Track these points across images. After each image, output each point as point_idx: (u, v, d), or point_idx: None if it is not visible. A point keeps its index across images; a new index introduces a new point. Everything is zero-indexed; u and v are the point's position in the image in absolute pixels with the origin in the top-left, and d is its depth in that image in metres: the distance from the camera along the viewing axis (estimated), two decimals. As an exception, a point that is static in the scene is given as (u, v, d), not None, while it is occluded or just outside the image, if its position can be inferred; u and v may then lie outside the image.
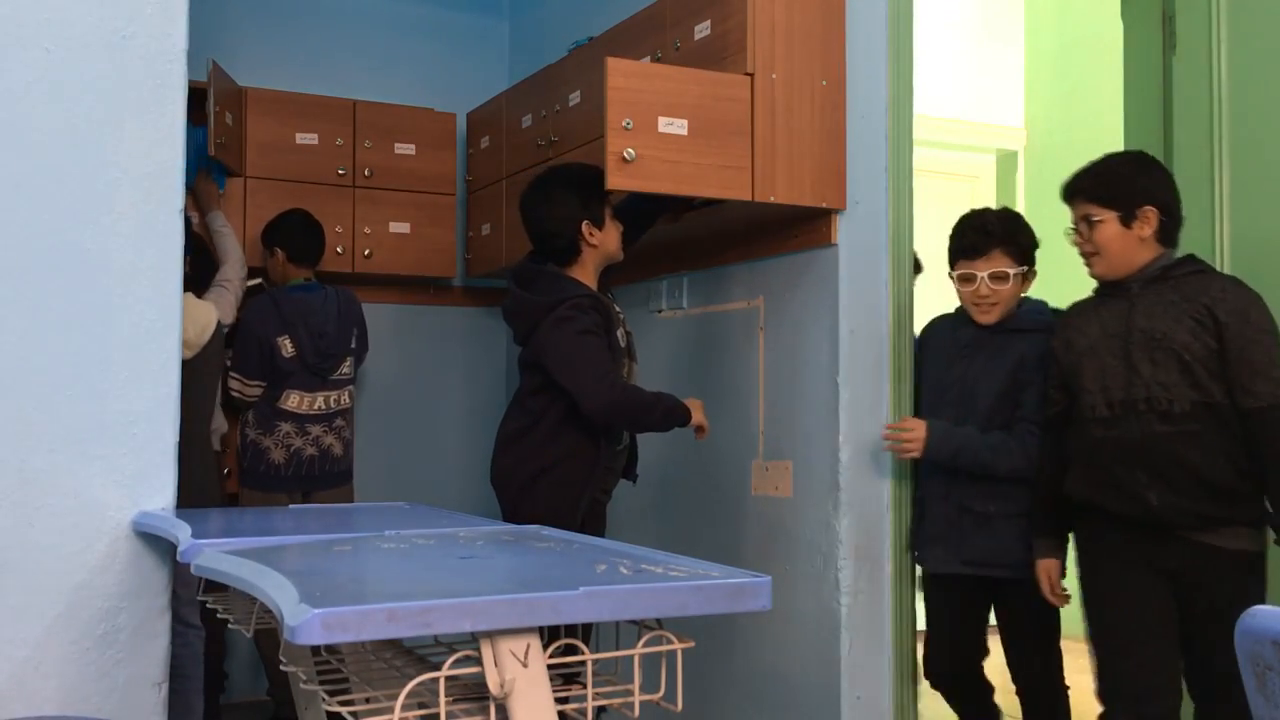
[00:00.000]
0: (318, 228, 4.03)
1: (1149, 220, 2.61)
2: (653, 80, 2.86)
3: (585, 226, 2.96)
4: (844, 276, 3.05)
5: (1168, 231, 2.65)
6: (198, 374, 3.26)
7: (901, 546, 3.11)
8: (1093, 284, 2.79)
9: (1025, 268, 2.95)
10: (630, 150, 2.77)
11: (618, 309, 3.10)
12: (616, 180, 2.79)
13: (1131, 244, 2.63)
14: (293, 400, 3.89)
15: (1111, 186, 2.65)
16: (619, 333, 3.01)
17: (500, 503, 3.07)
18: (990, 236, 2.94)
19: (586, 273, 3.01)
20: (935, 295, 4.88)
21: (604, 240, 3.00)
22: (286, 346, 3.86)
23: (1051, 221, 2.97)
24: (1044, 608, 2.86)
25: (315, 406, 3.92)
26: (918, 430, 2.90)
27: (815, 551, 3.11)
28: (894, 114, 3.12)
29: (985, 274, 2.92)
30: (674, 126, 2.85)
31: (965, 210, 3.10)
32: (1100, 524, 2.65)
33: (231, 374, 3.85)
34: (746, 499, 3.37)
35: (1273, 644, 1.33)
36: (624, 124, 2.78)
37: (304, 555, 1.77)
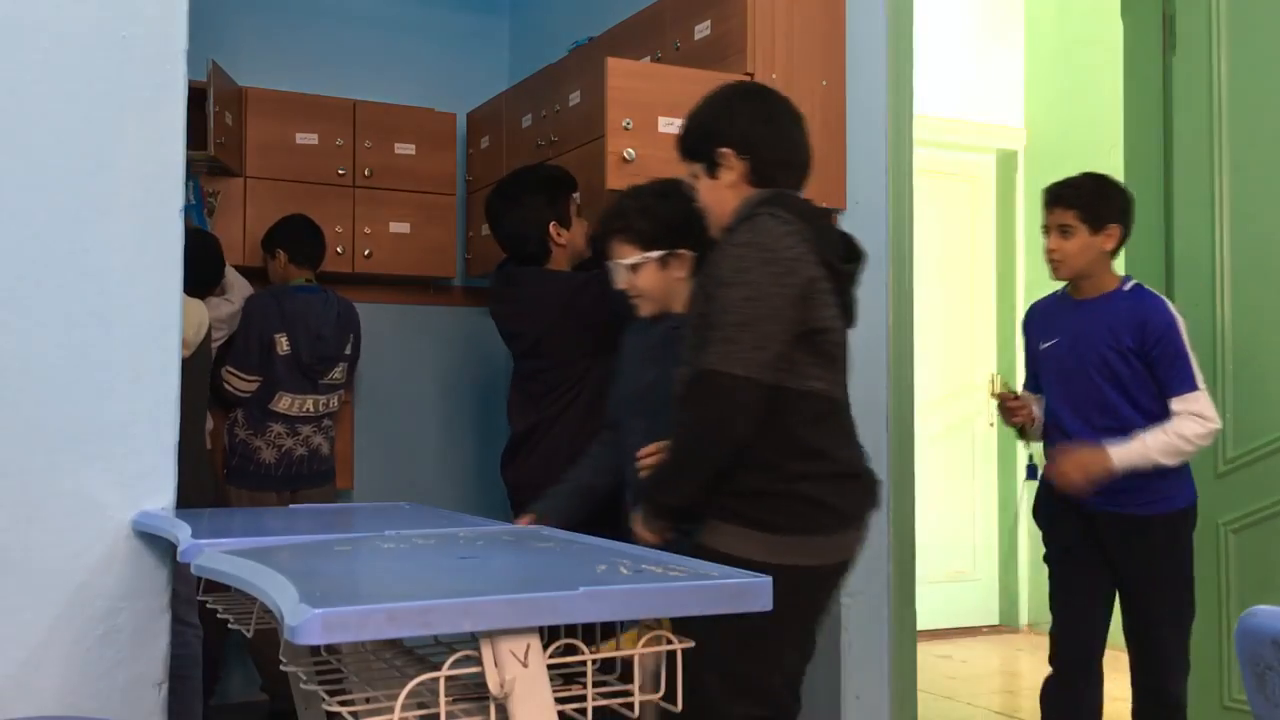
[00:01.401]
0: (319, 231, 4.04)
1: (729, 164, 2.15)
2: (653, 80, 2.87)
3: (553, 227, 3.01)
4: (844, 276, 3.05)
5: (762, 172, 2.14)
6: (193, 373, 3.27)
7: (901, 547, 3.11)
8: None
9: (656, 253, 2.41)
10: (630, 150, 2.77)
11: None
12: (616, 180, 2.79)
13: (723, 197, 2.16)
14: (284, 402, 3.89)
15: (687, 137, 2.23)
16: None
17: (517, 502, 3.07)
18: (604, 225, 2.51)
19: None
20: (936, 293, 4.90)
21: (572, 239, 3.05)
22: (282, 344, 3.86)
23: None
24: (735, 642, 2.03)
25: (305, 409, 3.92)
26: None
27: (815, 551, 3.11)
28: (894, 114, 3.12)
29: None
30: (674, 126, 2.83)
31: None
32: None
33: (228, 368, 3.86)
34: (746, 499, 3.37)
35: (1273, 644, 1.33)
36: (624, 124, 2.79)
37: (304, 555, 1.77)
